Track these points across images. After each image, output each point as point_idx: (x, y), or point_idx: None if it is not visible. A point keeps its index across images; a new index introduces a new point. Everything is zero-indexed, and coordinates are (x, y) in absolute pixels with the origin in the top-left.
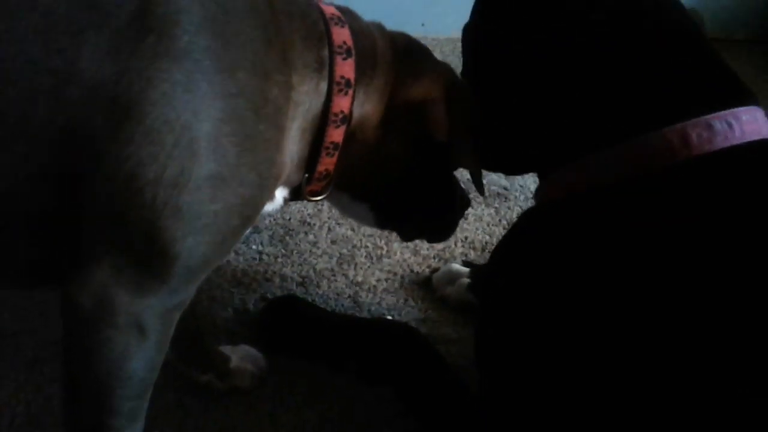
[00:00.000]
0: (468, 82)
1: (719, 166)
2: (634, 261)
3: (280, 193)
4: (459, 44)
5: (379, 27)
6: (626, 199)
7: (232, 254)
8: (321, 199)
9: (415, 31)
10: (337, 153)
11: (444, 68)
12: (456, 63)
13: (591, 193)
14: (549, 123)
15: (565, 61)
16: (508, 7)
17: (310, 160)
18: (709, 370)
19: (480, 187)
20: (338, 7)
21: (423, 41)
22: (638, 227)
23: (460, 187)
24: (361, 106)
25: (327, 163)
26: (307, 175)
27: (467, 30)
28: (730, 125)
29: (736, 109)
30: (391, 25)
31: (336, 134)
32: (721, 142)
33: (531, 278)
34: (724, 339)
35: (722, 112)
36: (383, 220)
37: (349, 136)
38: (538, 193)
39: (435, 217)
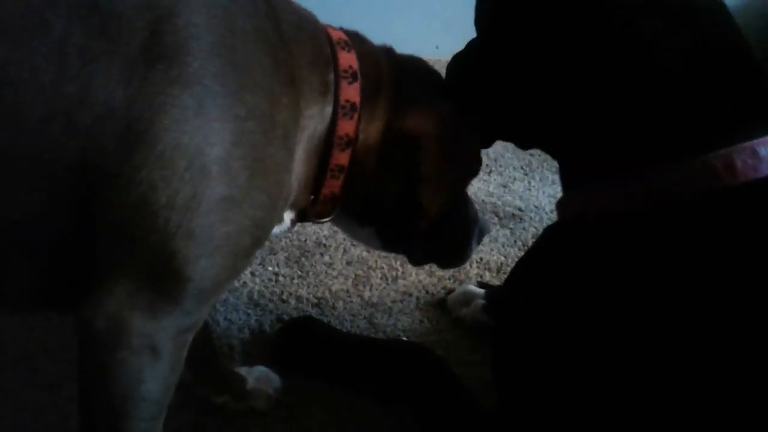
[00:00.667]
0: (477, 63)
1: (764, 194)
2: (670, 289)
3: (288, 215)
4: None
5: (388, 51)
6: (666, 225)
7: (248, 276)
8: (327, 221)
9: (429, 53)
10: (342, 176)
11: (444, 105)
12: None
13: (625, 215)
14: (583, 131)
15: (605, 70)
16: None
17: (316, 183)
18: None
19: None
20: (346, 31)
21: (437, 64)
22: (673, 255)
23: (475, 213)
24: (365, 130)
25: (332, 185)
26: (313, 197)
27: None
28: None
29: None
30: (406, 47)
31: (341, 157)
32: (765, 170)
33: (556, 299)
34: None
35: (766, 138)
36: (389, 245)
37: (353, 159)
38: (562, 207)
39: (443, 243)
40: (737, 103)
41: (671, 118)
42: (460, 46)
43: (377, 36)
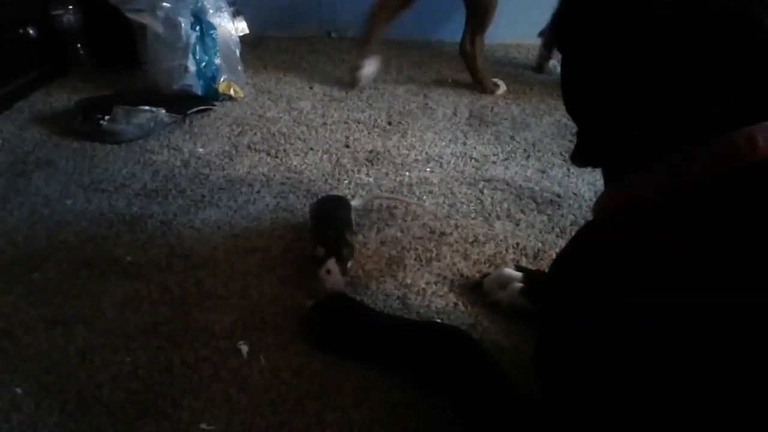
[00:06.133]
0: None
1: None
2: (720, 269)
3: None
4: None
5: None
6: (699, 204)
7: (280, 251)
8: None
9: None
10: None
11: None
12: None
13: (655, 201)
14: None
15: (637, 62)
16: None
17: None
18: None
19: None
20: None
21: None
22: (713, 232)
23: None
24: None
25: None
26: None
27: None
28: None
29: None
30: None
31: None
32: None
33: (600, 295)
34: None
35: None
36: None
37: None
38: (597, 206)
39: None
40: (760, 86)
41: (698, 103)
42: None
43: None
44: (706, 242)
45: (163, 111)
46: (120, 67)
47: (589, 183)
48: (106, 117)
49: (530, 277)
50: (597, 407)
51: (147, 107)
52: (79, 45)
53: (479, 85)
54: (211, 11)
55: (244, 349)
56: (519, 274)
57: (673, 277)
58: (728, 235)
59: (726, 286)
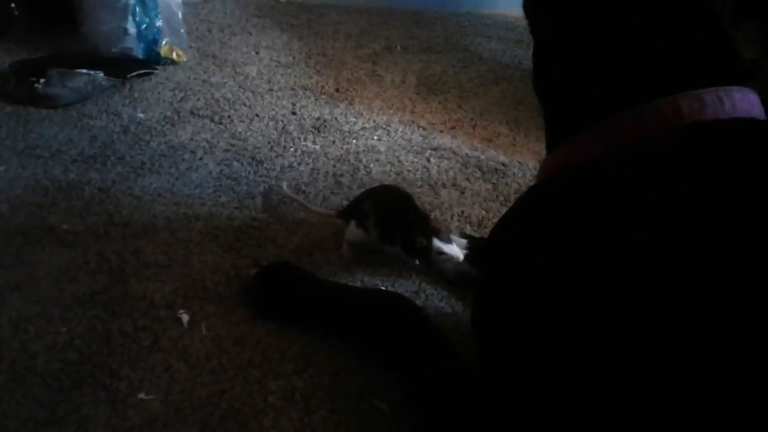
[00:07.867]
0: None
1: (705, 133)
2: (648, 232)
3: None
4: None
5: None
6: (619, 170)
7: (224, 218)
8: None
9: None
10: None
11: None
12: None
13: (589, 166)
14: (571, 88)
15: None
16: None
17: None
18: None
19: None
20: None
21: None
22: (634, 199)
23: None
24: None
25: None
26: None
27: None
28: (720, 99)
29: (729, 87)
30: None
31: None
32: (711, 114)
33: (534, 257)
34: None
35: (714, 88)
36: None
37: None
38: (538, 173)
39: None
40: (695, 60)
41: (632, 73)
42: None
43: None
44: (628, 204)
45: (102, 74)
46: (57, 28)
47: (533, 152)
48: (41, 80)
49: (474, 244)
50: (530, 371)
51: (84, 70)
52: (13, 4)
53: None
54: None
55: (185, 318)
56: (463, 241)
57: (594, 239)
58: (649, 196)
59: (647, 245)
